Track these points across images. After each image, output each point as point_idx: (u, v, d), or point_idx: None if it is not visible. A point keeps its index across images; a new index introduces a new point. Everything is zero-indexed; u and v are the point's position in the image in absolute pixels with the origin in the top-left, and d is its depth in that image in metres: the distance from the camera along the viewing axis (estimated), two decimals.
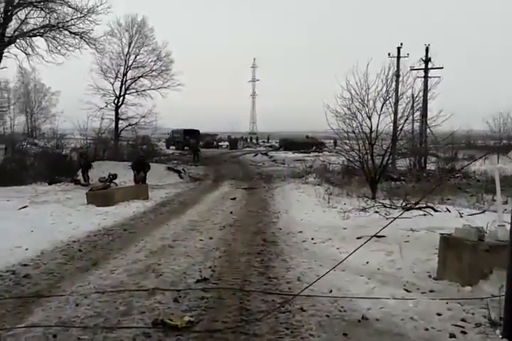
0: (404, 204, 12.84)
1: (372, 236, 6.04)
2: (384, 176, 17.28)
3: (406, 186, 19.81)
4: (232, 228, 10.20)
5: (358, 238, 8.54)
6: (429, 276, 6.05)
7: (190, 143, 44.61)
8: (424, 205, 12.34)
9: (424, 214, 11.34)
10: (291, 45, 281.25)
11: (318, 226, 10.14)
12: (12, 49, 22.03)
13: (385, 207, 12.52)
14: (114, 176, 18.57)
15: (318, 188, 17.49)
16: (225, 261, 7.11)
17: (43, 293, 5.47)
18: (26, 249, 7.78)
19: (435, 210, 11.86)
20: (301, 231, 9.53)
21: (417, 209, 12.18)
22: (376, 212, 11.73)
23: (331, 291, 5.44)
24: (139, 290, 5.46)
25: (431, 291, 5.40)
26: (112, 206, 13.66)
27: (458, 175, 26.16)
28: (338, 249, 7.84)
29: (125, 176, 18.88)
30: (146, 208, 13.56)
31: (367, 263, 6.61)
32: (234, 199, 15.55)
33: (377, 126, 16.31)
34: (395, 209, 12.33)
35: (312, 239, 8.72)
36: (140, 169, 17.69)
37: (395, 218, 6.33)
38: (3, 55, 21.67)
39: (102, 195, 14.47)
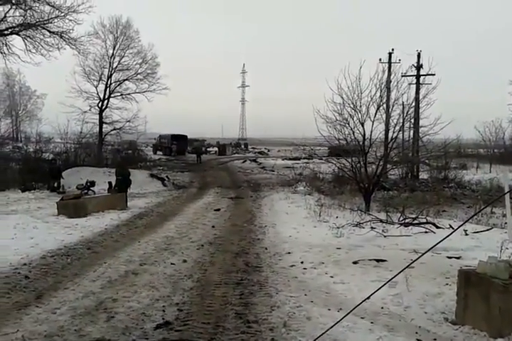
0: (401, 219, 11.80)
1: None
2: (377, 186, 16.24)
3: (400, 196, 18.87)
4: (212, 247, 8.99)
5: (355, 263, 7.43)
6: (446, 319, 4.92)
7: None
8: (425, 221, 11.34)
9: (426, 232, 10.33)
10: (280, 49, 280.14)
11: (309, 245, 8.99)
12: None
13: (382, 222, 11.47)
14: (92, 183, 17.41)
15: (308, 198, 16.40)
16: (196, 294, 5.88)
17: None
18: None
19: (437, 227, 10.84)
20: (289, 252, 8.36)
21: (416, 224, 11.18)
22: (372, 228, 10.64)
23: None
24: None
25: None
26: (84, 217, 12.54)
27: (451, 184, 25.37)
28: (332, 277, 6.68)
29: (105, 183, 17.63)
30: (121, 221, 12.34)
31: (367, 298, 5.46)
32: (218, 210, 14.39)
33: (371, 133, 15.27)
34: (392, 224, 11.29)
35: (302, 262, 7.55)
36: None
37: None
38: None
39: (74, 205, 13.25)
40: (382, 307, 5.34)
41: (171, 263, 7.52)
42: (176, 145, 47.88)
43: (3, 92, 65.91)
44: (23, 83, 67.52)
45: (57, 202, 13.59)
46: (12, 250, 8.31)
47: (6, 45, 21.15)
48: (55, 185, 18.83)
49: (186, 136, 51.00)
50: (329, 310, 5.23)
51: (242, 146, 69.97)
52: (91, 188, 17.08)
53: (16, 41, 22.04)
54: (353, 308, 3.74)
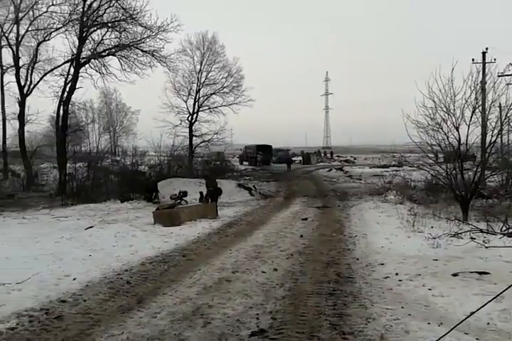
0: (504, 228, 10.94)
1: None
2: (475, 194, 15.20)
3: (501, 204, 17.54)
4: (301, 256, 8.95)
5: (455, 275, 7.00)
6: None
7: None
8: None
9: None
10: (363, 53, 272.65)
11: (403, 256, 8.64)
12: (88, 69, 22.79)
13: (482, 232, 10.71)
14: (185, 193, 18.17)
15: (399, 207, 15.77)
16: (289, 303, 5.89)
17: None
18: (74, 279, 7.17)
19: None
20: (382, 263, 8.09)
21: None
22: (472, 238, 9.97)
23: None
24: None
25: None
26: (178, 226, 13.09)
27: None
28: (430, 289, 6.35)
29: (196, 193, 18.35)
30: (212, 229, 12.73)
31: (472, 314, 5.11)
32: (305, 219, 14.33)
33: (467, 138, 14.37)
34: (494, 234, 10.50)
35: (397, 274, 7.27)
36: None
37: None
38: (80, 75, 22.38)
39: (168, 215, 13.91)
40: (488, 323, 4.98)
41: (262, 272, 7.61)
42: (261, 156, 48.72)
43: (102, 110, 71.30)
44: (119, 100, 72.56)
45: (153, 211, 14.34)
46: (114, 257, 8.88)
47: (103, 65, 23.11)
48: (153, 196, 19.91)
49: (271, 146, 51.75)
50: (429, 323, 4.97)
51: (328, 155, 69.22)
52: (183, 198, 17.80)
53: (112, 62, 23.97)
54: (459, 323, 3.52)
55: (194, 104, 32.70)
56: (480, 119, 15.64)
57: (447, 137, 14.42)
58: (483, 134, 16.50)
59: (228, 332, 4.90)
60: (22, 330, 5.05)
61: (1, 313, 5.46)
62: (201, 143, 32.69)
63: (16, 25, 24.31)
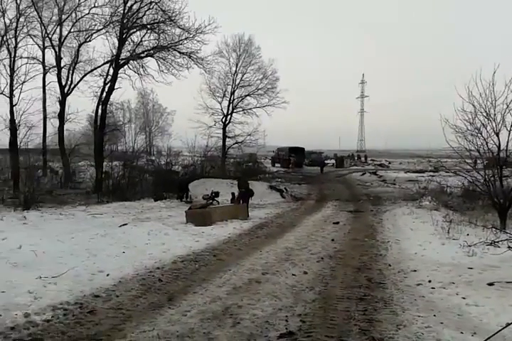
0: None
1: None
2: None
3: None
4: (332, 260, 8.89)
5: (490, 284, 6.80)
6: None
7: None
8: None
9: None
10: (399, 56, 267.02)
11: (437, 263, 8.45)
12: (126, 70, 23.32)
13: None
14: (217, 194, 18.34)
15: (434, 214, 15.42)
16: (318, 307, 5.86)
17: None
18: (107, 275, 7.33)
19: None
20: (415, 270, 7.94)
21: None
22: (509, 247, 9.64)
23: None
24: None
25: None
26: (210, 226, 13.22)
27: None
28: (464, 298, 6.18)
29: (228, 194, 18.48)
30: (243, 230, 12.80)
31: (507, 325, 4.95)
32: (337, 223, 14.21)
33: (507, 144, 13.91)
34: None
35: (429, 281, 7.11)
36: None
37: None
38: (118, 76, 22.92)
39: (200, 215, 14.08)
40: None
41: (292, 274, 7.60)
42: (293, 158, 48.59)
43: (139, 110, 72.63)
44: (155, 101, 73.73)
45: (186, 211, 14.52)
46: (147, 254, 9.03)
47: (142, 67, 23.59)
48: (184, 195, 20.18)
49: (303, 149, 51.55)
50: (462, 333, 4.84)
51: (362, 158, 68.37)
52: (215, 198, 17.97)
53: (150, 63, 24.46)
54: (494, 334, 3.41)
55: (228, 106, 33.00)
56: None
57: (486, 143, 14.01)
58: None
59: (257, 332, 4.92)
60: (57, 323, 5.22)
61: (38, 305, 5.65)
62: (234, 144, 32.92)
63: (59, 27, 25.10)
